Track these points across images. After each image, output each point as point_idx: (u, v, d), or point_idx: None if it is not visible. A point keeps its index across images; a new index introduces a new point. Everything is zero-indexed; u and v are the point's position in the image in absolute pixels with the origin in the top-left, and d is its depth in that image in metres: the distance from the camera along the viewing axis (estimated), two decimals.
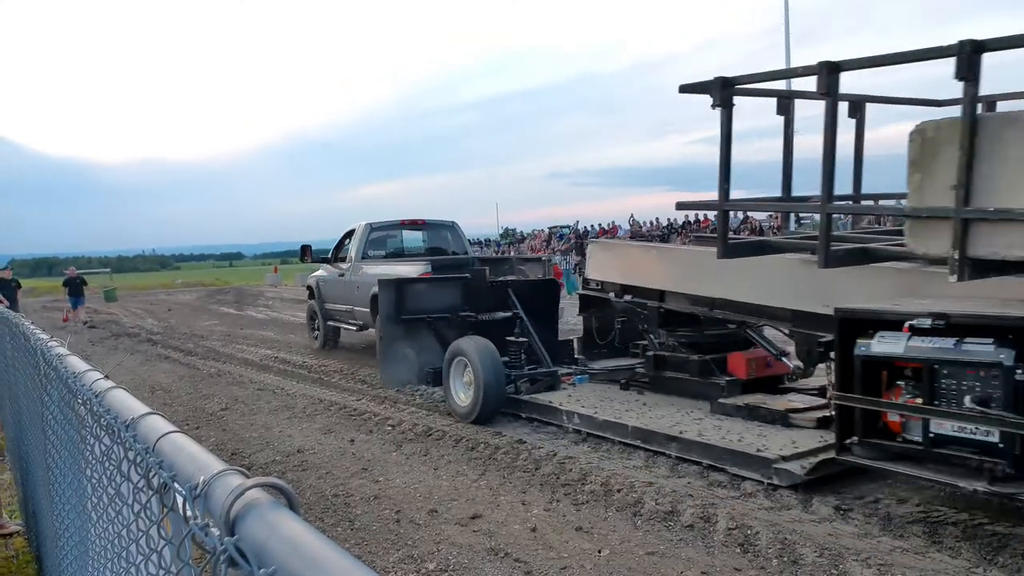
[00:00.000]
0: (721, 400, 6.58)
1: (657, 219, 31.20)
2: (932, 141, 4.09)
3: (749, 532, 4.45)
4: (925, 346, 4.13)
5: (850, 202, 6.12)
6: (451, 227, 12.83)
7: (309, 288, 13.78)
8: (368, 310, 10.83)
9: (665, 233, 28.87)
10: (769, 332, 7.10)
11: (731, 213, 5.74)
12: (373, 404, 8.60)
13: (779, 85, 7.87)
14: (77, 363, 2.13)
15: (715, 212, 5.97)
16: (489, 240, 44.82)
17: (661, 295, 7.31)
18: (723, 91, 4.99)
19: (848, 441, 4.55)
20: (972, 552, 4.06)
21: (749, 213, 19.70)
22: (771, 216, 19.04)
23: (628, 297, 7.71)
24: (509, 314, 8.81)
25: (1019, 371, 3.80)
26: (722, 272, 6.12)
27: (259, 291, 32.89)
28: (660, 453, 5.94)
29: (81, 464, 2.04)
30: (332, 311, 12.94)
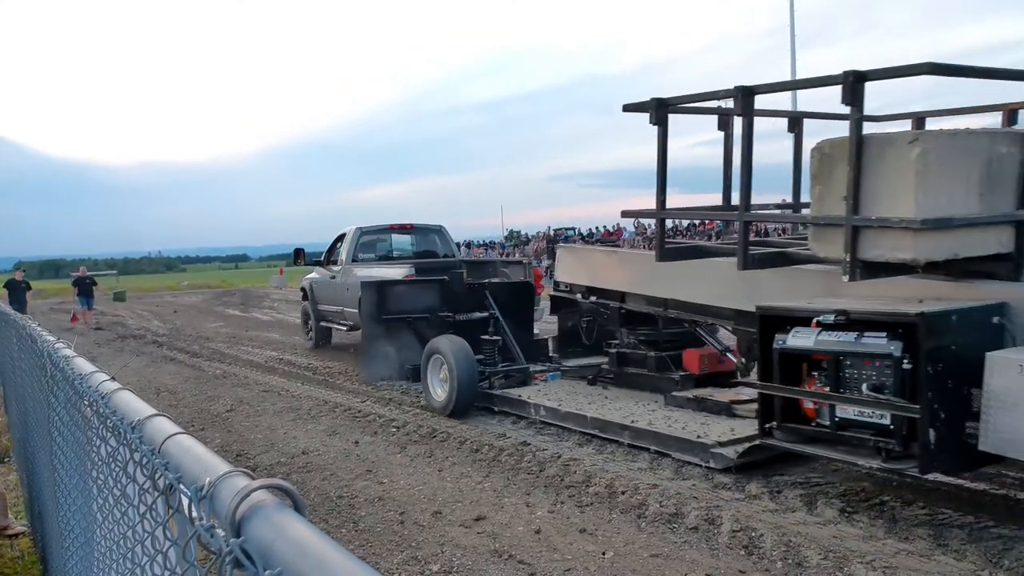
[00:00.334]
0: (674, 393, 7.06)
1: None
2: (829, 157, 4.61)
3: (753, 534, 4.45)
4: (831, 339, 4.56)
5: (778, 210, 7.09)
6: (438, 231, 13.28)
7: (303, 290, 14.07)
8: (357, 311, 11.01)
9: (670, 235, 28.85)
10: (722, 331, 7.42)
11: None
12: (378, 406, 8.61)
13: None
14: (83, 365, 2.14)
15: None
16: (494, 242, 44.69)
17: (622, 296, 7.75)
18: (658, 111, 5.58)
19: (768, 426, 4.99)
20: (978, 555, 4.04)
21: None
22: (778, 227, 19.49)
23: (593, 298, 8.16)
24: (486, 314, 9.07)
25: (906, 361, 4.18)
26: (674, 275, 6.53)
27: (264, 293, 32.93)
28: (639, 447, 6.28)
29: (87, 465, 2.04)
30: (324, 312, 13.17)
